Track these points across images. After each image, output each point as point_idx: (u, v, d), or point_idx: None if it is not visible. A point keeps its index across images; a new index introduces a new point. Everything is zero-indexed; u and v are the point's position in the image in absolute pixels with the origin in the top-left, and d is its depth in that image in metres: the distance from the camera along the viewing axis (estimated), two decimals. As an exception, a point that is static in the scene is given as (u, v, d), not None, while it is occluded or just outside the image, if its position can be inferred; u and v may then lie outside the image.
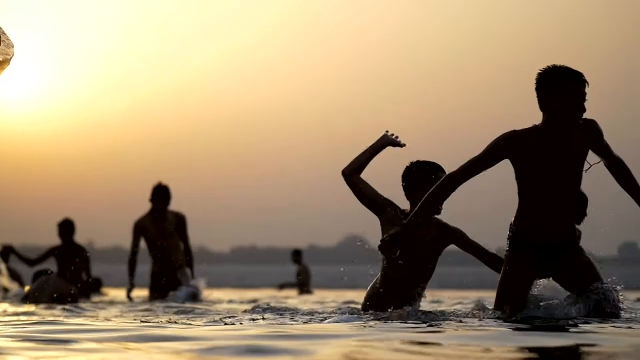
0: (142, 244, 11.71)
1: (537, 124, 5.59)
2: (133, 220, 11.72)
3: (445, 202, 5.95)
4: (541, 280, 5.77)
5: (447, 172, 5.76)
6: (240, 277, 40.58)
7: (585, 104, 5.52)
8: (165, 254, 11.55)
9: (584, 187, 5.74)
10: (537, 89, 5.56)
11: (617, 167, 5.69)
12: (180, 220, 11.66)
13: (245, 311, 7.74)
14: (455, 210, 6.09)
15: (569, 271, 5.67)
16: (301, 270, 20.43)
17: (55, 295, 10.11)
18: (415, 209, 5.74)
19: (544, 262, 5.67)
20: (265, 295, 16.00)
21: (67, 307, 9.17)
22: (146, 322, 6.00)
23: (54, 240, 13.17)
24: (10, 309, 8.88)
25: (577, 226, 6.00)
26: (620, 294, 5.65)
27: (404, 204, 6.15)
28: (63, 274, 11.90)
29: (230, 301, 11.60)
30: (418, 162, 6.09)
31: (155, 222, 11.58)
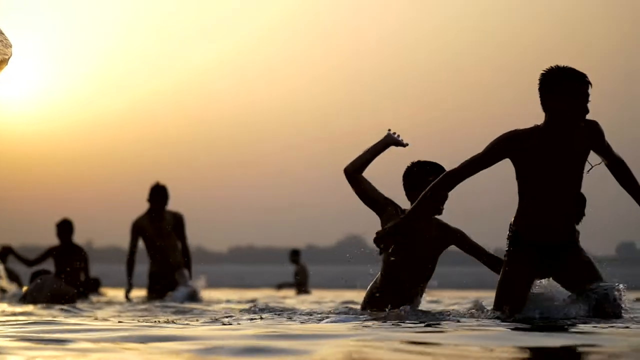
0: (141, 244, 11.70)
1: (538, 124, 5.58)
2: (131, 220, 11.72)
3: (445, 202, 5.96)
4: (541, 280, 5.76)
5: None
6: (238, 277, 40.58)
7: (589, 105, 5.51)
8: (163, 254, 11.54)
9: (583, 187, 5.74)
10: (540, 89, 5.55)
11: (618, 167, 5.69)
12: (178, 220, 11.66)
13: (243, 311, 7.73)
14: (454, 210, 6.08)
15: (569, 271, 5.66)
16: (299, 270, 20.44)
17: (53, 295, 10.10)
18: (414, 204, 5.73)
19: (544, 262, 5.67)
20: (263, 295, 16.00)
21: (64, 307, 9.16)
22: (144, 322, 5.99)
23: (53, 240, 13.17)
24: (8, 309, 8.87)
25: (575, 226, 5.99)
26: (623, 293, 5.65)
27: (404, 204, 6.14)
28: (61, 275, 11.89)
29: (228, 301, 11.59)
30: (419, 162, 6.08)
31: (154, 222, 11.57)
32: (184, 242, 11.69)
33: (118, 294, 13.81)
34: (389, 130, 6.34)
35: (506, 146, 5.56)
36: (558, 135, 5.54)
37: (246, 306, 8.85)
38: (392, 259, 6.06)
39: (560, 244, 5.66)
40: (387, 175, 6.39)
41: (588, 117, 5.54)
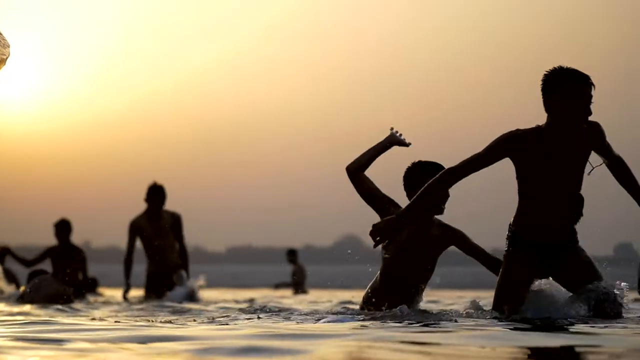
0: (138, 244, 11.71)
1: (540, 124, 5.58)
2: (129, 220, 11.72)
3: (446, 203, 5.96)
4: (541, 280, 5.75)
5: (448, 170, 5.73)
6: (236, 276, 40.60)
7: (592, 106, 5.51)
8: (161, 253, 11.55)
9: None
10: (542, 89, 5.55)
11: (618, 167, 5.70)
12: (175, 220, 11.66)
13: (240, 311, 7.73)
14: (452, 210, 6.08)
15: (569, 271, 5.66)
16: (296, 270, 20.45)
17: (50, 295, 10.09)
18: (412, 200, 5.72)
19: (544, 262, 5.67)
20: (260, 295, 16.00)
21: (61, 307, 9.15)
22: (141, 322, 5.98)
23: (51, 240, 13.17)
24: (6, 309, 8.86)
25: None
26: (625, 291, 5.64)
27: (405, 204, 6.13)
28: (59, 275, 11.89)
29: (226, 301, 11.59)
30: (420, 162, 6.07)
31: (151, 222, 11.58)
32: (181, 241, 11.69)
33: (116, 293, 13.80)
34: (392, 128, 6.33)
35: (507, 146, 5.55)
36: (560, 136, 5.54)
37: (244, 306, 8.86)
38: (386, 255, 6.05)
39: (560, 244, 5.65)
40: (387, 175, 6.38)
41: (589, 118, 5.54)
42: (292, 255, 20.78)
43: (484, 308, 5.93)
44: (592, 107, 5.50)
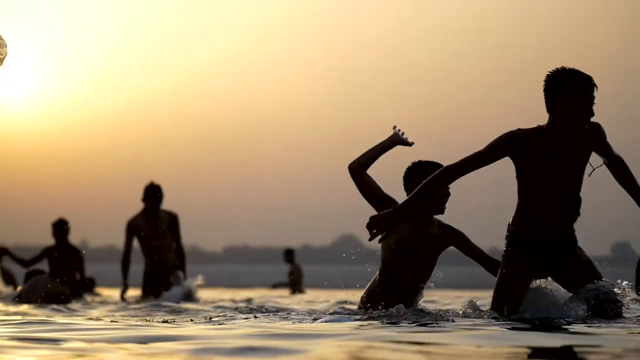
0: (136, 243, 11.70)
1: (541, 124, 5.58)
2: (126, 220, 11.71)
3: (447, 202, 5.95)
4: (540, 280, 5.74)
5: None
6: (233, 276, 40.60)
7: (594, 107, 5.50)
8: (158, 253, 11.54)
9: (578, 187, 5.72)
10: (545, 89, 5.54)
11: (618, 167, 5.69)
12: (172, 220, 11.65)
13: (237, 310, 7.72)
14: (451, 209, 6.07)
15: (569, 271, 5.65)
16: (293, 270, 20.45)
17: (47, 295, 10.08)
18: (410, 195, 5.72)
19: (543, 262, 5.65)
20: (258, 294, 15.99)
21: (58, 307, 9.14)
22: (138, 321, 5.97)
23: (48, 240, 13.15)
24: (2, 309, 8.85)
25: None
26: (627, 291, 5.63)
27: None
28: (56, 274, 11.88)
29: (223, 301, 11.58)
30: (420, 162, 6.06)
31: (148, 222, 11.57)
32: (178, 241, 11.68)
33: (113, 293, 13.79)
34: (395, 127, 6.31)
35: (508, 145, 5.55)
36: (561, 136, 5.53)
37: (241, 306, 8.85)
38: (386, 255, 6.04)
39: (559, 244, 5.64)
40: (387, 175, 6.37)
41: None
42: (289, 254, 20.78)
43: (482, 308, 5.92)
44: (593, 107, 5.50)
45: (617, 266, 6.41)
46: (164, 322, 5.85)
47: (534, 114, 5.58)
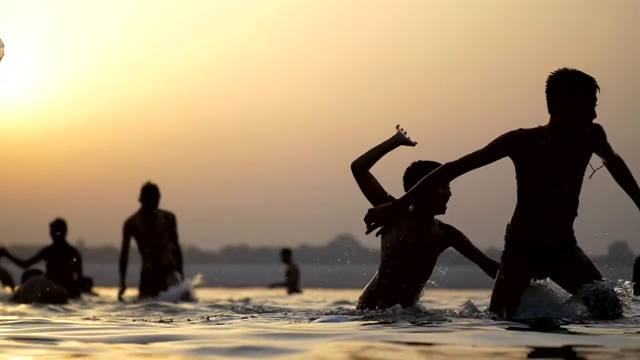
0: (133, 243, 11.69)
1: (543, 125, 5.57)
2: (124, 220, 11.70)
3: (447, 202, 5.95)
4: (540, 280, 5.73)
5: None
6: (230, 276, 40.58)
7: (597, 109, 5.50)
8: (155, 253, 11.53)
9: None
10: (547, 90, 5.53)
11: (617, 168, 5.68)
12: (170, 220, 11.64)
13: (234, 309, 7.71)
14: (449, 208, 6.06)
15: (569, 271, 5.64)
16: (290, 270, 20.44)
17: (43, 295, 10.07)
18: (409, 191, 5.72)
19: (543, 263, 5.64)
20: (255, 294, 15.98)
21: (54, 307, 9.13)
22: (135, 321, 5.96)
23: (44, 239, 13.14)
24: (-1, 308, 8.84)
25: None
26: (629, 290, 5.62)
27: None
28: (53, 274, 11.87)
29: (220, 301, 11.57)
30: (419, 162, 6.05)
31: (145, 222, 11.56)
32: (175, 241, 11.67)
33: (110, 293, 13.78)
34: (398, 126, 6.31)
35: (508, 145, 5.53)
36: (562, 137, 5.52)
37: (239, 305, 8.84)
38: (386, 254, 6.04)
39: (559, 245, 5.63)
40: (387, 175, 6.36)
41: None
42: (286, 254, 20.77)
43: (479, 309, 5.91)
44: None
45: (614, 266, 6.40)
46: (160, 321, 5.84)
47: (534, 114, 5.58)
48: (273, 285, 21.55)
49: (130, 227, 11.59)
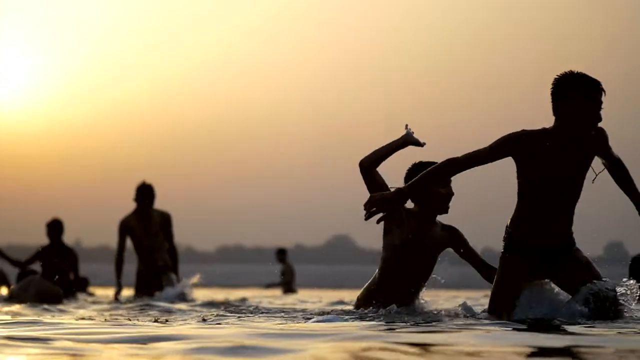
0: (129, 243, 11.68)
1: (547, 127, 5.56)
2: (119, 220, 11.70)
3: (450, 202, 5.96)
4: (539, 281, 5.72)
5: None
6: (226, 276, 40.56)
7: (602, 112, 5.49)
8: (151, 253, 11.52)
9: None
10: (553, 93, 5.52)
11: (617, 169, 5.68)
12: (165, 220, 11.64)
13: (230, 309, 7.70)
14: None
15: (568, 272, 5.63)
16: (285, 270, 20.45)
17: (38, 295, 10.05)
18: (410, 182, 5.72)
19: (542, 265, 5.63)
20: (251, 294, 15.98)
21: (49, 306, 9.12)
22: (130, 321, 5.95)
23: (41, 239, 13.13)
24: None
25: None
26: (634, 290, 5.62)
27: (408, 203, 6.11)
28: (49, 274, 11.85)
29: (216, 300, 11.56)
30: (421, 162, 6.06)
31: (140, 221, 11.55)
32: (171, 241, 11.67)
33: (106, 293, 13.77)
34: (407, 126, 6.31)
35: (512, 146, 5.52)
36: (566, 140, 5.51)
37: (235, 305, 8.83)
38: (382, 253, 6.03)
39: (558, 247, 5.63)
40: (388, 175, 6.35)
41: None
42: (281, 254, 20.78)
43: (475, 310, 5.91)
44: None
45: (610, 267, 6.40)
46: (155, 321, 5.83)
47: (534, 113, 5.58)
48: (268, 285, 21.56)
49: (126, 227, 11.58)
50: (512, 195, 5.69)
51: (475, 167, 5.60)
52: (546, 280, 5.71)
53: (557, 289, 5.72)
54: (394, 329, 4.76)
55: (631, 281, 5.65)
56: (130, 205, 11.69)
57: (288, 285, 20.17)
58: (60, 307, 9.31)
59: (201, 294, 12.90)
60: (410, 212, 6.04)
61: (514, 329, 4.87)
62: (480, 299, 11.45)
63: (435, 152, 6.07)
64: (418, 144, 6.29)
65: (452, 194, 6.00)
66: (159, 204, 11.76)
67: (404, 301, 5.99)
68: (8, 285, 13.94)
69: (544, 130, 5.55)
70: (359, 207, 6.15)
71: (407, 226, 5.99)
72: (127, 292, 11.97)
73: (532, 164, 5.53)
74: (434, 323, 5.24)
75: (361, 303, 6.12)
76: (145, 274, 11.53)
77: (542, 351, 3.79)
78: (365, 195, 5.80)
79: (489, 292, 5.86)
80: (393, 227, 6.03)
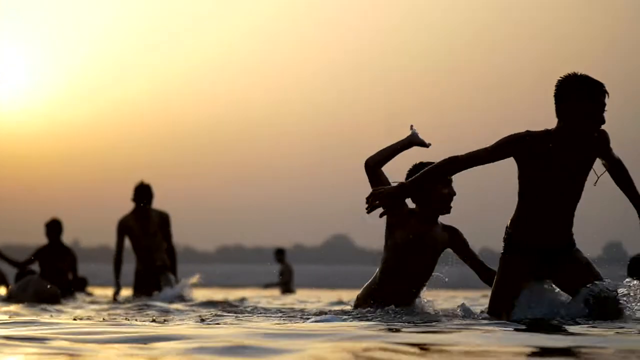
0: (128, 243, 11.68)
1: (549, 128, 5.55)
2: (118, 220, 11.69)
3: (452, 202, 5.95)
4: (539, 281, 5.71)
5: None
6: (226, 276, 40.59)
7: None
8: (149, 253, 11.52)
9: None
10: (556, 95, 5.52)
11: (617, 170, 5.68)
12: (164, 219, 11.64)
13: (229, 309, 7.70)
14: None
15: (569, 273, 5.62)
16: (284, 270, 20.44)
17: (37, 295, 10.04)
18: (412, 178, 5.72)
19: (542, 266, 5.63)
20: (250, 294, 15.98)
21: (47, 306, 9.11)
22: (128, 321, 5.94)
23: (39, 239, 13.11)
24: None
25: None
26: (638, 290, 5.61)
27: (409, 203, 6.12)
28: (47, 274, 11.83)
29: (215, 300, 11.55)
30: (421, 163, 6.06)
31: (139, 221, 11.55)
32: (169, 241, 11.66)
33: (105, 293, 13.76)
34: (412, 126, 6.32)
35: (514, 147, 5.52)
36: (569, 142, 5.51)
37: (234, 305, 8.82)
38: (383, 253, 6.03)
39: (559, 248, 5.62)
40: (392, 175, 6.35)
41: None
42: (280, 254, 20.78)
43: (474, 310, 5.90)
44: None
45: (609, 267, 6.39)
46: (153, 321, 5.82)
47: (534, 113, 5.58)
48: (267, 285, 21.56)
49: (124, 227, 11.58)
50: (512, 195, 5.69)
51: (476, 167, 5.60)
52: (546, 280, 5.70)
53: (557, 289, 5.71)
54: (393, 329, 4.76)
55: (635, 282, 5.64)
56: (129, 205, 11.69)
57: (286, 285, 20.17)
58: (59, 307, 9.30)
59: (201, 294, 12.90)
60: (411, 211, 6.04)
61: (514, 329, 4.87)
62: (479, 299, 11.46)
63: (436, 152, 6.07)
64: (423, 144, 6.30)
65: (454, 193, 6.00)
66: (159, 203, 11.76)
67: (405, 301, 5.99)
68: (6, 285, 13.92)
69: (546, 131, 5.54)
70: (358, 207, 6.14)
71: (408, 226, 6.00)
72: (126, 292, 11.96)
73: (534, 164, 5.53)
74: (433, 323, 5.23)
75: (361, 302, 6.12)
76: (144, 274, 11.53)
77: (542, 351, 3.79)
78: (366, 194, 5.81)
79: (487, 293, 5.86)
80: (396, 227, 6.02)
